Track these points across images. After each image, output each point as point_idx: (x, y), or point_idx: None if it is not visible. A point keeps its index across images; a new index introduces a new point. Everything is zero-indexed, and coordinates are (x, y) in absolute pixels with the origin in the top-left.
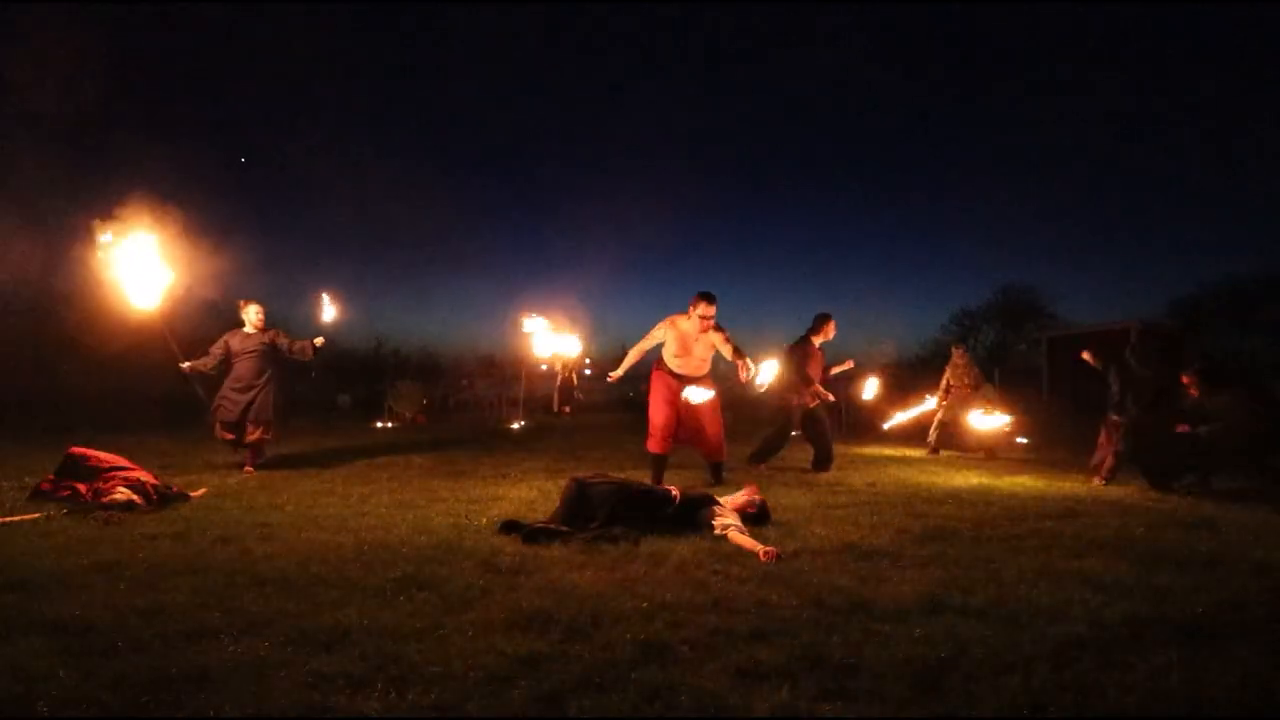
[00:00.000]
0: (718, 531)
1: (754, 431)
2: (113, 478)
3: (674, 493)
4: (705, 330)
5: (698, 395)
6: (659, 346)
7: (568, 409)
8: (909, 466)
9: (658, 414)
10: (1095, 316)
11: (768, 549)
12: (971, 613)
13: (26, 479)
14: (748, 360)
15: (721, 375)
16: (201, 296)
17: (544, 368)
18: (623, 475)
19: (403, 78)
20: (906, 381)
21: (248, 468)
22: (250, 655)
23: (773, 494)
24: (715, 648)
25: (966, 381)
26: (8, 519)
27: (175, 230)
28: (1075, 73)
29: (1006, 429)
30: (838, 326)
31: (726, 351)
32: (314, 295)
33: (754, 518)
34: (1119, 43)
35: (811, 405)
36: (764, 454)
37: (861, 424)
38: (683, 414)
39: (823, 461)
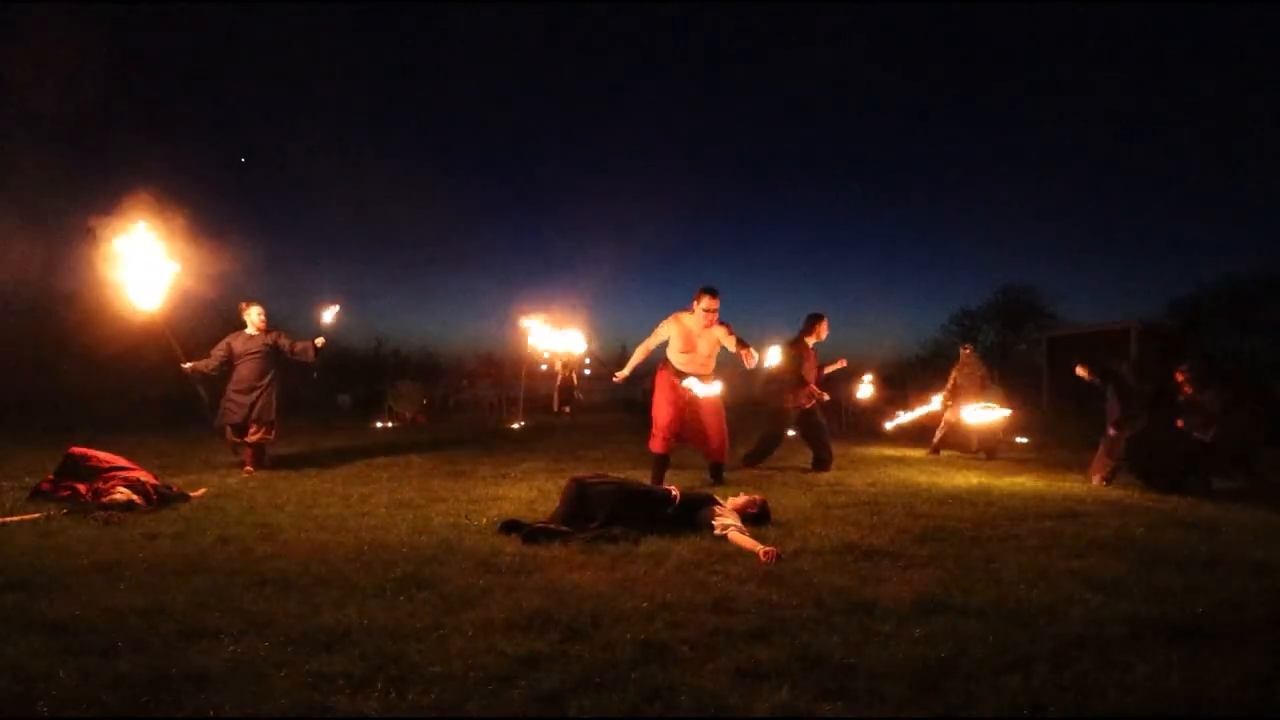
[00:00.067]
0: (718, 531)
1: (753, 431)
2: (113, 478)
3: (674, 493)
4: (710, 325)
5: (701, 389)
6: (664, 346)
7: (568, 409)
8: (909, 466)
9: (661, 413)
10: (1095, 316)
11: (768, 549)
12: (971, 613)
13: (26, 479)
14: (751, 350)
15: (723, 362)
16: (202, 296)
17: (544, 368)
18: (623, 475)
19: (403, 78)
20: (903, 381)
21: (248, 468)
22: (250, 655)
23: (773, 494)
24: (715, 648)
25: (974, 381)
26: (8, 519)
27: (176, 230)
28: (1075, 73)
29: (1003, 423)
30: (830, 326)
31: (731, 344)
32: (315, 299)
33: (754, 518)
34: (1119, 43)
35: (808, 406)
36: (758, 455)
37: (861, 424)
38: (686, 413)
39: (822, 462)
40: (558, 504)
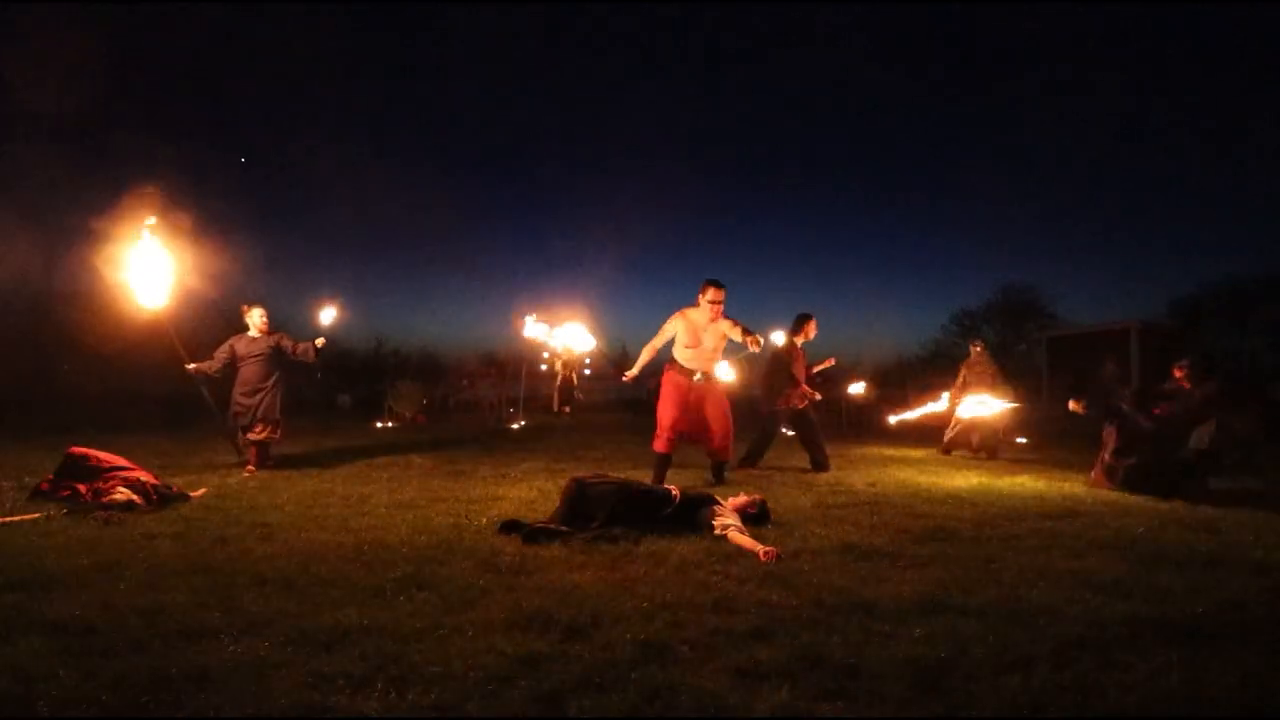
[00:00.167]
0: (718, 531)
1: (749, 432)
2: (113, 478)
3: (674, 492)
4: (715, 318)
5: (723, 371)
6: (671, 345)
7: (568, 409)
8: (909, 466)
9: (666, 413)
10: (1095, 316)
11: (768, 549)
12: (971, 613)
13: (26, 479)
14: (756, 335)
15: (729, 353)
16: (204, 297)
17: (544, 368)
18: (623, 475)
19: (403, 78)
20: (902, 380)
21: (250, 467)
22: (250, 655)
23: (773, 494)
24: (715, 648)
25: (984, 379)
26: (8, 519)
27: (177, 230)
28: (1075, 73)
29: (1004, 422)
30: (826, 326)
31: (736, 334)
32: (314, 299)
33: (754, 518)
34: (1119, 43)
35: (801, 406)
36: (753, 457)
37: (862, 423)
38: (691, 411)
39: (819, 464)
40: (558, 504)
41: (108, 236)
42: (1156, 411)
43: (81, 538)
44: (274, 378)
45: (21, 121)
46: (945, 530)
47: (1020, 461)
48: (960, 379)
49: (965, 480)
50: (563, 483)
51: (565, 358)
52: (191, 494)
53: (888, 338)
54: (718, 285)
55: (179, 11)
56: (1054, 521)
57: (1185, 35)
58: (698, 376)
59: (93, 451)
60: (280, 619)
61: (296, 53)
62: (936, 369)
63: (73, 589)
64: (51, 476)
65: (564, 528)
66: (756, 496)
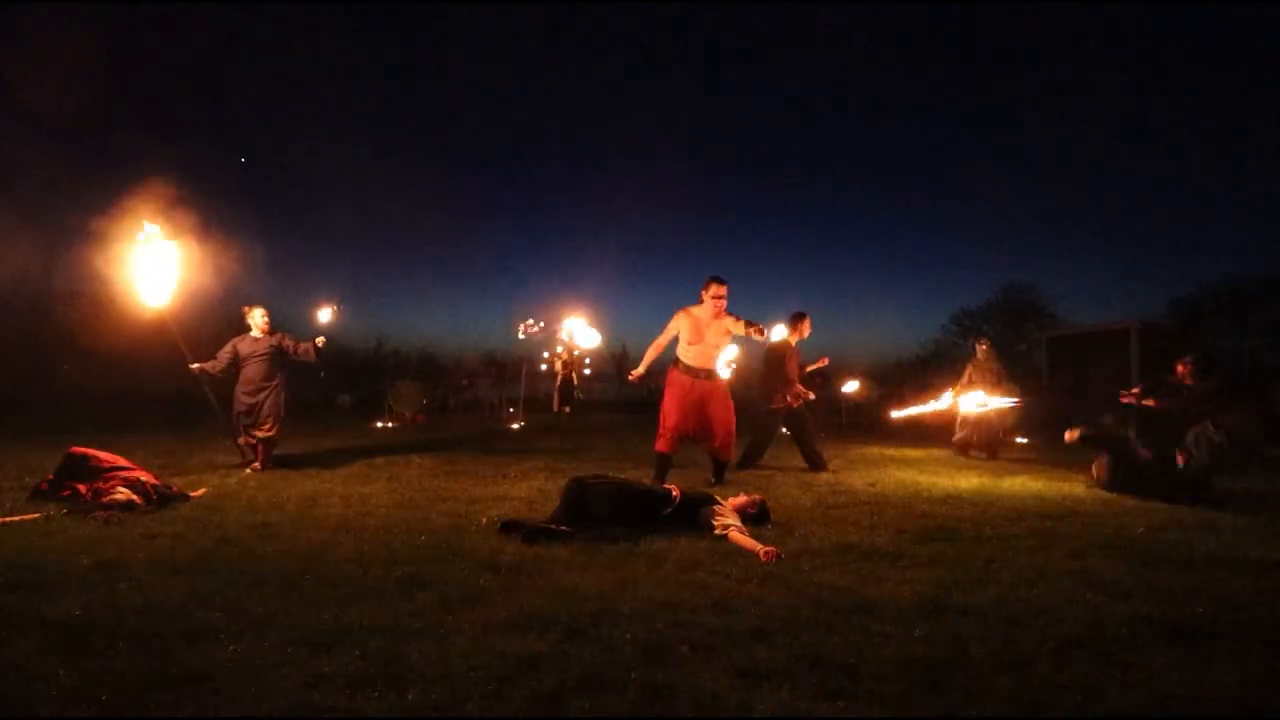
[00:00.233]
0: (718, 531)
1: (749, 431)
2: (113, 478)
3: (674, 492)
4: (719, 314)
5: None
6: (675, 344)
7: (568, 409)
8: (909, 466)
9: (669, 414)
10: (1095, 316)
11: (768, 549)
12: (971, 613)
13: (26, 479)
14: (759, 325)
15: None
16: (205, 297)
17: (544, 368)
18: (623, 475)
19: (403, 78)
20: (901, 380)
21: (255, 464)
22: (250, 655)
23: (773, 494)
24: (715, 648)
25: (989, 378)
26: (8, 519)
27: (179, 229)
28: (1075, 73)
29: (1005, 422)
30: (829, 326)
31: (739, 329)
32: (314, 299)
33: (754, 518)
34: (1119, 43)
35: (795, 406)
36: (750, 458)
37: (861, 423)
38: (695, 411)
39: (814, 463)
40: (558, 504)
41: (110, 236)
42: (1154, 403)
43: (81, 538)
44: (277, 377)
45: (21, 121)
46: (945, 530)
47: (1020, 461)
48: (966, 377)
49: (965, 480)
50: (563, 483)
51: (565, 357)
52: (191, 494)
53: (888, 338)
54: (720, 281)
55: (179, 11)
56: (1054, 521)
57: (1185, 35)
58: (707, 371)
59: (93, 451)
60: (280, 619)
61: (296, 53)
62: (935, 369)
63: (73, 589)
64: (51, 476)
65: (564, 528)
66: (756, 496)
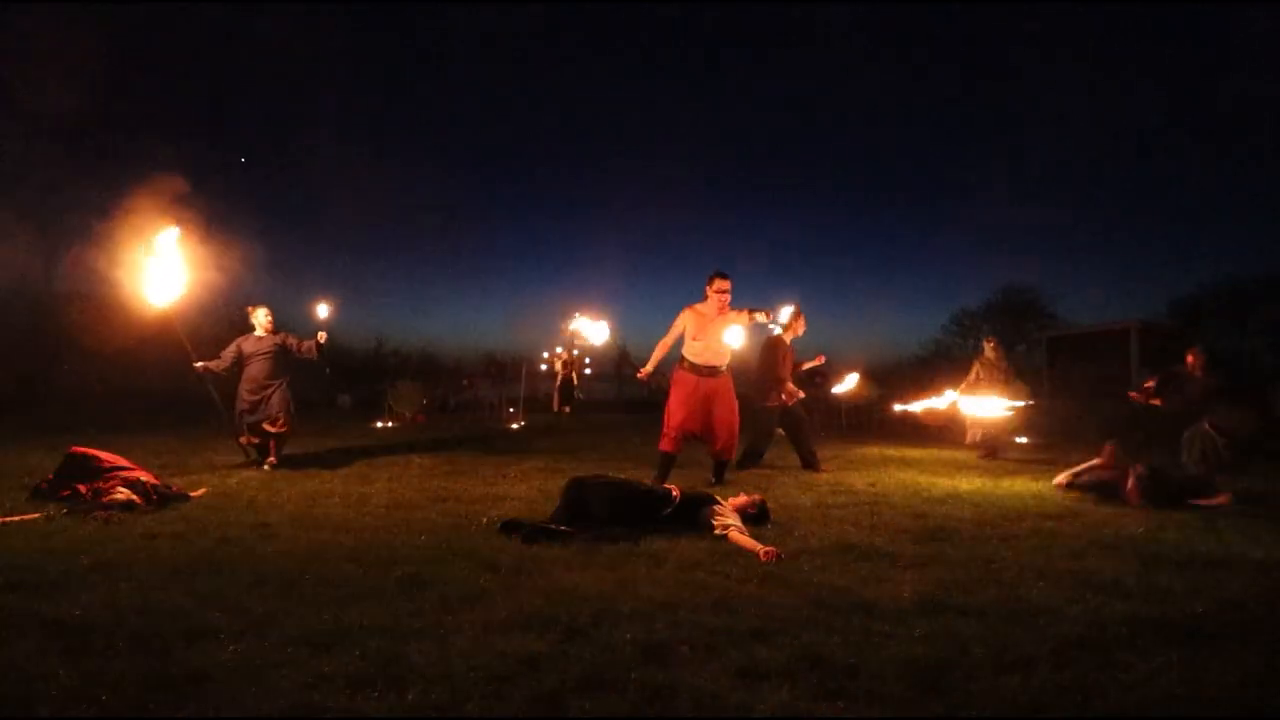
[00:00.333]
0: (718, 531)
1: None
2: (113, 478)
3: (674, 492)
4: (723, 309)
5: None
6: (681, 342)
7: (568, 409)
8: (909, 467)
9: (674, 414)
10: (1095, 316)
11: (768, 549)
12: (971, 613)
13: (26, 479)
14: (764, 309)
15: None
16: (206, 296)
17: (544, 368)
18: (623, 475)
19: (403, 78)
20: (900, 380)
21: (270, 459)
22: (250, 655)
23: (773, 494)
24: (715, 648)
25: (996, 376)
26: (8, 519)
27: (184, 227)
28: (1075, 73)
29: (1010, 422)
30: (827, 326)
31: (745, 320)
32: (311, 297)
33: (754, 518)
34: (1119, 43)
35: (790, 404)
36: (750, 458)
37: (862, 423)
38: (699, 409)
39: (809, 463)
40: (558, 504)
41: (113, 235)
42: (1159, 403)
43: (81, 538)
44: (281, 376)
45: (21, 121)
46: (945, 530)
47: (1020, 461)
48: (973, 375)
49: (965, 480)
50: (563, 483)
51: (565, 357)
52: (191, 494)
53: (888, 338)
54: (724, 276)
55: (179, 11)
56: (1054, 521)
57: (1185, 35)
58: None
59: (93, 451)
60: (280, 619)
61: (296, 52)
62: (934, 369)
63: (73, 589)
64: (52, 476)
65: (564, 528)
66: (756, 496)
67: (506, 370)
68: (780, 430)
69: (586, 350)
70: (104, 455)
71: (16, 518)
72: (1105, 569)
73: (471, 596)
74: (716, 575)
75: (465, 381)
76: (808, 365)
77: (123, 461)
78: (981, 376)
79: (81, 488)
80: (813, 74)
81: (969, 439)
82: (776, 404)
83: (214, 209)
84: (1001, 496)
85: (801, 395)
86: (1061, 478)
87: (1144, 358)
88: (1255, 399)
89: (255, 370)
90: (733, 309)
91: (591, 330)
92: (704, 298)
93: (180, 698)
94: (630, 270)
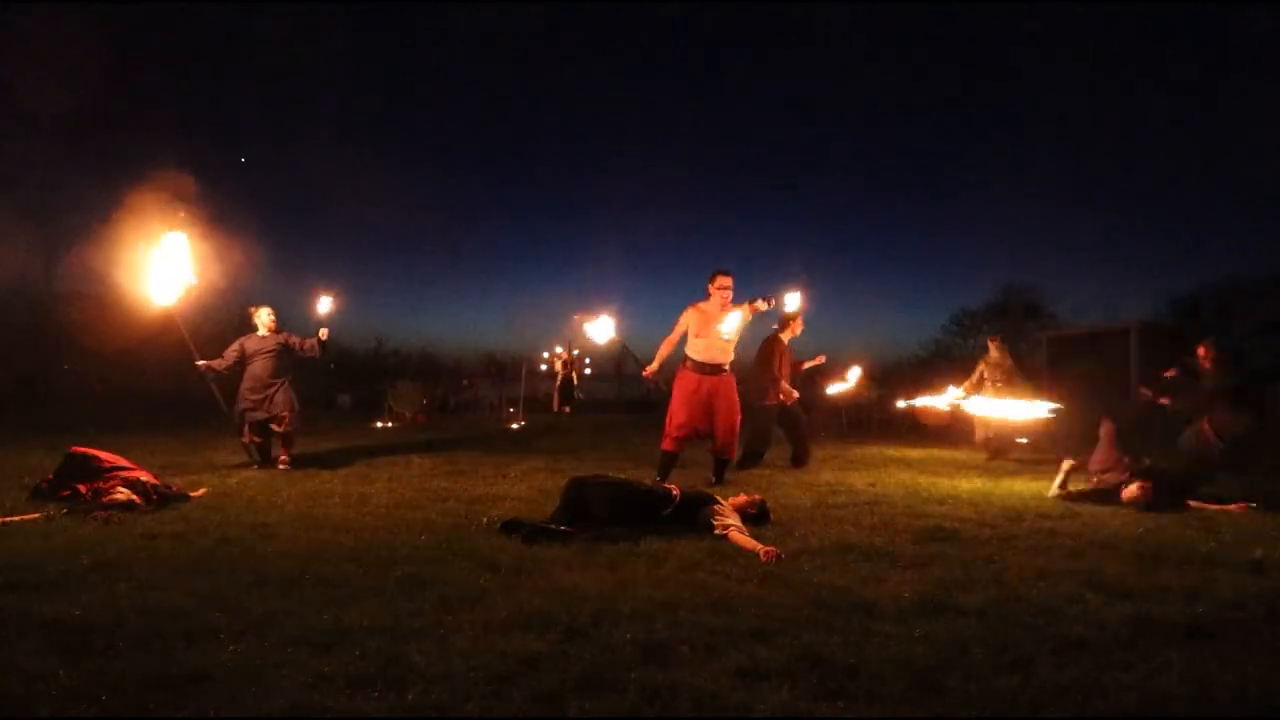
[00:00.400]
0: (718, 531)
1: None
2: (113, 478)
3: (674, 492)
4: (726, 305)
5: (730, 324)
6: (686, 340)
7: (568, 409)
8: (910, 467)
9: (677, 412)
10: (1095, 316)
11: (768, 549)
12: (971, 613)
13: (26, 479)
14: (766, 297)
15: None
16: (207, 295)
17: (544, 368)
18: (623, 475)
19: (403, 78)
20: (900, 379)
21: (283, 457)
22: (250, 655)
23: (773, 494)
24: (715, 648)
25: (1000, 376)
26: (8, 519)
27: (187, 226)
28: (1075, 72)
29: (1021, 424)
30: (826, 326)
31: (747, 313)
32: (311, 291)
33: (754, 518)
34: (1120, 43)
35: (788, 404)
36: (750, 458)
37: (862, 423)
38: (700, 408)
39: (799, 459)
40: (557, 504)
41: (113, 234)
42: (1166, 401)
43: (81, 538)
44: (283, 374)
45: (21, 121)
46: (945, 530)
47: (1021, 462)
48: (977, 375)
49: (965, 480)
50: (563, 482)
51: (565, 357)
52: (191, 494)
53: (888, 338)
54: (725, 273)
55: (179, 11)
56: (1054, 521)
57: (1185, 35)
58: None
59: (94, 451)
60: (280, 619)
61: (296, 52)
62: (935, 369)
63: (73, 589)
64: (52, 476)
65: (564, 528)
66: (756, 496)
67: (506, 370)
68: (779, 429)
69: (587, 350)
70: (104, 455)
71: (16, 518)
72: (1105, 569)
73: (471, 596)
74: (716, 575)
75: (465, 381)
76: (808, 364)
77: (123, 461)
78: (986, 376)
79: (81, 488)
80: (813, 74)
81: (978, 437)
82: (774, 403)
83: (214, 209)
84: (1001, 496)
85: (795, 395)
86: (1056, 489)
87: (1144, 358)
88: (1254, 400)
89: (258, 369)
90: (735, 305)
91: (597, 328)
92: (707, 296)
93: (180, 698)
94: (630, 270)
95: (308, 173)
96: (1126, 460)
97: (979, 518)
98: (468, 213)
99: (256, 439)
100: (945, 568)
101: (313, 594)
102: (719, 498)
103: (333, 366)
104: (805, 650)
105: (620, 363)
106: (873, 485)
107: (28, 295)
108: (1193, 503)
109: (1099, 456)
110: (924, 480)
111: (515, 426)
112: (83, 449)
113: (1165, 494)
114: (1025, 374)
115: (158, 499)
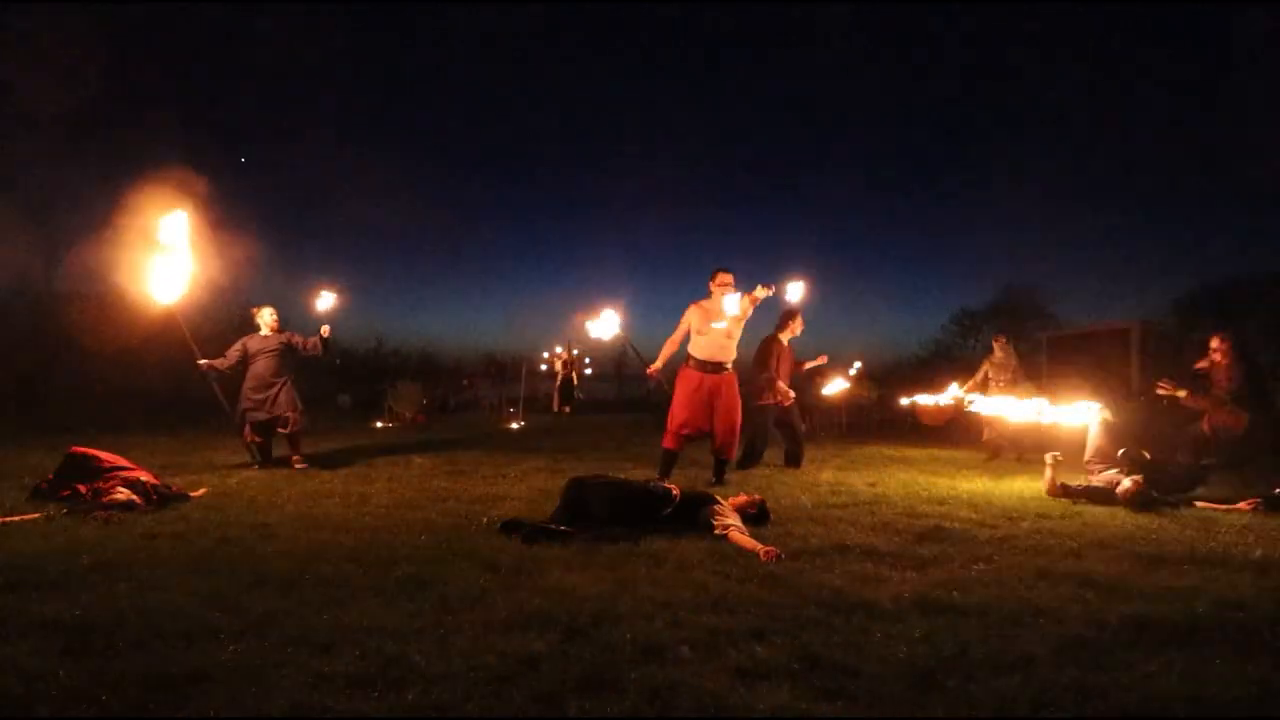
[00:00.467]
0: (718, 531)
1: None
2: (113, 478)
3: (674, 492)
4: None
5: (731, 306)
6: (689, 339)
7: (568, 409)
8: (909, 466)
9: (678, 412)
10: (1095, 316)
11: (768, 549)
12: (971, 613)
13: (26, 479)
14: (767, 285)
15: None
16: (208, 295)
17: (544, 368)
18: (623, 475)
19: (403, 78)
20: (900, 380)
21: (295, 457)
22: (250, 655)
23: (773, 494)
24: (715, 648)
25: (1005, 376)
26: (8, 519)
27: (184, 227)
28: (1075, 73)
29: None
30: (805, 323)
31: (748, 304)
32: (311, 287)
33: (754, 518)
34: (1120, 43)
35: (786, 404)
36: (749, 458)
37: (861, 423)
38: (701, 407)
39: (793, 457)
40: (557, 504)
41: (114, 234)
42: (1185, 397)
43: (81, 538)
44: (286, 373)
45: (22, 121)
46: (945, 530)
47: (1020, 462)
48: (981, 374)
49: (965, 480)
50: (563, 483)
51: (565, 357)
52: (191, 494)
53: (888, 338)
54: (726, 270)
55: (179, 11)
56: (1054, 521)
57: (1185, 35)
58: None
59: (94, 451)
60: (280, 619)
61: (296, 52)
62: (935, 369)
63: (73, 589)
64: (52, 476)
65: (564, 528)
66: (756, 497)
67: (506, 370)
68: (775, 430)
69: (587, 349)
70: (104, 455)
71: (16, 518)
72: (1105, 569)
73: (471, 596)
74: (716, 575)
75: (465, 381)
76: (810, 364)
77: (123, 461)
78: (990, 375)
79: (81, 488)
80: (813, 74)
81: (985, 436)
82: (771, 403)
83: (213, 209)
84: (1001, 496)
85: (792, 396)
86: (1046, 485)
87: (1144, 358)
88: (1254, 399)
89: (260, 368)
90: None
91: (602, 323)
92: (708, 294)
93: (180, 698)
94: (630, 270)
95: (308, 172)
96: (1120, 454)
97: (979, 518)
98: (468, 213)
99: (258, 439)
100: (945, 568)
101: (313, 594)
102: (719, 498)
103: (338, 363)
104: (805, 650)
105: (621, 362)
106: (873, 485)
107: (28, 295)
108: (1199, 504)
109: (1092, 449)
110: (924, 480)
111: (515, 426)
112: (83, 449)
113: (1162, 489)
114: (1028, 373)
115: (158, 499)
